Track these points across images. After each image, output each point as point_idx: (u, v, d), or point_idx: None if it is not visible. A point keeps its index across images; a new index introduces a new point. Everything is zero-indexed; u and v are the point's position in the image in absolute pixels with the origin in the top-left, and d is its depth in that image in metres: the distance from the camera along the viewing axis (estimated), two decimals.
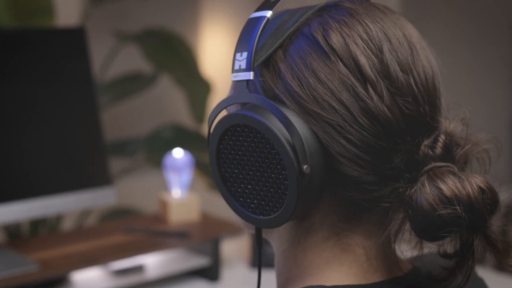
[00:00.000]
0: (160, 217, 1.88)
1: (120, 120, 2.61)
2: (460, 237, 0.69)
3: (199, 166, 2.17)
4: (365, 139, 0.69)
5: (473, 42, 3.23)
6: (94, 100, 1.73)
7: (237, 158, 0.72)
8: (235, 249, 1.97)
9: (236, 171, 0.72)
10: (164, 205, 1.87)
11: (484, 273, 0.81)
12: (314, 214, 0.74)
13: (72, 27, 1.79)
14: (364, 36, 0.70)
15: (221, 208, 2.52)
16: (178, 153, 1.89)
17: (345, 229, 0.74)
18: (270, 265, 1.84)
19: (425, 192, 0.68)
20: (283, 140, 0.67)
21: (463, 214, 0.66)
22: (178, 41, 2.45)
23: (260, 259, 0.78)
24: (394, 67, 0.70)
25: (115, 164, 2.36)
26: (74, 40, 1.72)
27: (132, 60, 2.54)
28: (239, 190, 0.73)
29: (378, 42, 0.70)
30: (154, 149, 2.42)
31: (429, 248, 0.76)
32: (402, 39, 0.72)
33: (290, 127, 0.68)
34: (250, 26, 0.71)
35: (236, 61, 0.71)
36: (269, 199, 0.71)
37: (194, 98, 2.47)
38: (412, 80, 0.70)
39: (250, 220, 0.73)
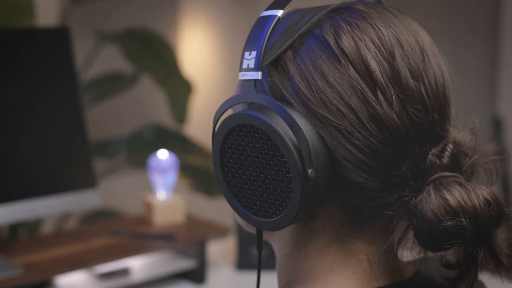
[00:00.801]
0: (144, 219, 1.86)
1: (101, 120, 2.58)
2: (464, 249, 0.68)
3: (181, 167, 2.15)
4: (372, 146, 0.68)
5: (453, 41, 3.25)
6: (78, 101, 1.70)
7: (241, 158, 0.71)
8: (221, 251, 1.96)
9: (239, 171, 0.71)
10: (148, 207, 1.85)
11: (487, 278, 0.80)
12: (317, 218, 0.73)
13: (55, 27, 1.77)
14: (376, 40, 0.69)
15: (204, 210, 2.51)
16: (162, 154, 1.87)
17: (348, 235, 0.73)
18: (256, 266, 1.83)
19: (431, 201, 0.67)
20: (289, 143, 0.66)
21: (468, 226, 0.66)
22: (158, 41, 2.43)
23: (260, 261, 0.77)
24: (405, 73, 0.69)
25: (96, 165, 2.33)
26: (58, 39, 1.69)
27: (112, 60, 2.51)
28: (242, 190, 0.72)
29: (390, 47, 0.69)
30: (135, 150, 2.40)
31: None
32: (414, 45, 0.70)
33: (296, 129, 0.67)
34: (260, 24, 0.70)
35: (244, 60, 0.69)
36: (272, 202, 0.70)
37: (175, 98, 2.45)
38: (422, 87, 0.69)
39: (251, 222, 0.72)
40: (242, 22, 2.82)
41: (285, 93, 0.70)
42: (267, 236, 0.79)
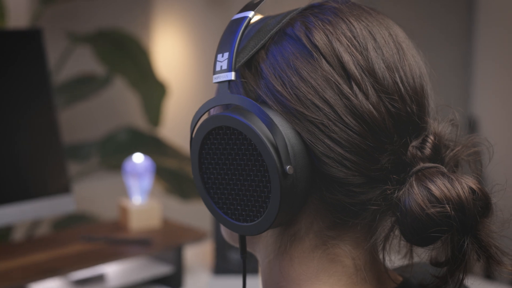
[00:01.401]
0: (119, 225, 1.83)
1: (73, 123, 2.54)
2: (450, 240, 0.67)
3: (155, 170, 2.12)
4: (350, 138, 0.67)
5: (428, 42, 3.25)
6: (51, 103, 1.67)
7: (220, 163, 0.69)
8: (198, 255, 1.94)
9: (218, 177, 0.70)
10: (124, 211, 1.81)
11: (472, 282, 0.79)
12: (299, 220, 0.71)
13: (28, 29, 1.73)
14: (348, 33, 0.68)
15: (179, 213, 2.49)
16: (138, 158, 1.84)
17: (332, 237, 0.71)
18: (233, 271, 1.81)
19: (414, 193, 0.65)
20: (265, 140, 0.65)
21: (453, 213, 0.64)
22: (131, 42, 2.40)
23: (245, 270, 0.75)
24: (379, 64, 0.68)
25: (69, 168, 2.29)
26: (30, 41, 1.65)
27: (85, 62, 2.48)
28: (222, 196, 0.70)
29: (362, 39, 0.68)
30: (108, 153, 2.37)
31: (420, 258, 0.74)
32: (387, 38, 0.70)
33: (272, 127, 0.65)
34: (232, 26, 0.69)
35: (217, 62, 0.69)
36: (253, 204, 0.68)
37: (148, 100, 2.43)
38: (398, 78, 0.68)
39: (234, 228, 0.70)
40: (216, 24, 2.80)
41: (260, 93, 0.69)
42: (251, 246, 0.77)
